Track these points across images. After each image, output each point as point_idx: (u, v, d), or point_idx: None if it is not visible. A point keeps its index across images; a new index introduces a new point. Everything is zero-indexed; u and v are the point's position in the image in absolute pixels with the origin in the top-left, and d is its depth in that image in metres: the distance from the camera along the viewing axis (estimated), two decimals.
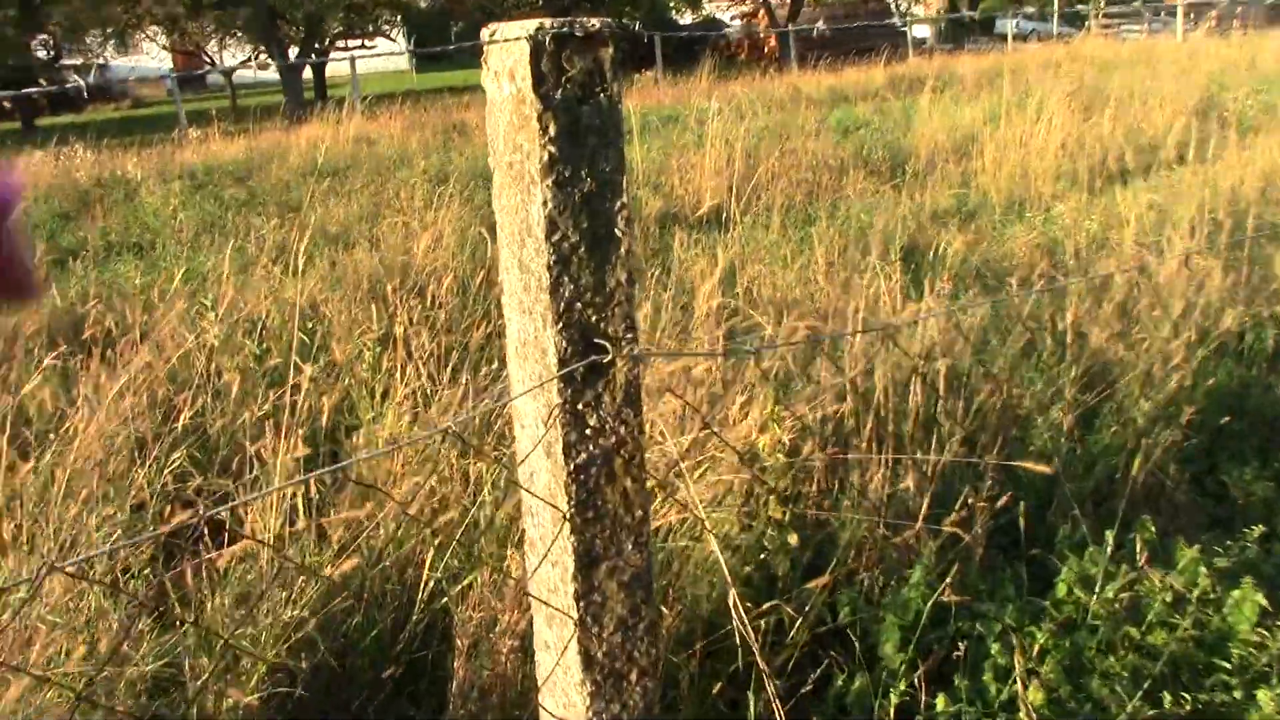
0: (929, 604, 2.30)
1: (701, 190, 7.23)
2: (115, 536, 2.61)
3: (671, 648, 2.26)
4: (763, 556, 2.52)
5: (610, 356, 1.26)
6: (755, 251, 5.25)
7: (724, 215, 6.62)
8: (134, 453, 3.13)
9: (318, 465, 3.00)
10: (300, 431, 2.79)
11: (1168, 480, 3.07)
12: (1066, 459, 3.08)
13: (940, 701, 2.26)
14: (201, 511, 2.36)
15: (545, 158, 1.15)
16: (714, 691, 2.19)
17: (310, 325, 4.53)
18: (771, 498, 2.54)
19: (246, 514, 2.59)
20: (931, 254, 5.03)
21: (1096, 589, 2.52)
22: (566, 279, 1.23)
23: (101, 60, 29.45)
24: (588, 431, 1.29)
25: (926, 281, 3.71)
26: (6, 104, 26.98)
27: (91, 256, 6.49)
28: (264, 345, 4.14)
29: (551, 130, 1.14)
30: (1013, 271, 4.84)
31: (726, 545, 2.51)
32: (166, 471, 2.88)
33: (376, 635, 2.40)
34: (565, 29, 1.13)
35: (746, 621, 2.20)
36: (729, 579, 2.17)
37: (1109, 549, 2.52)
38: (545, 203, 1.18)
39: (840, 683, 2.31)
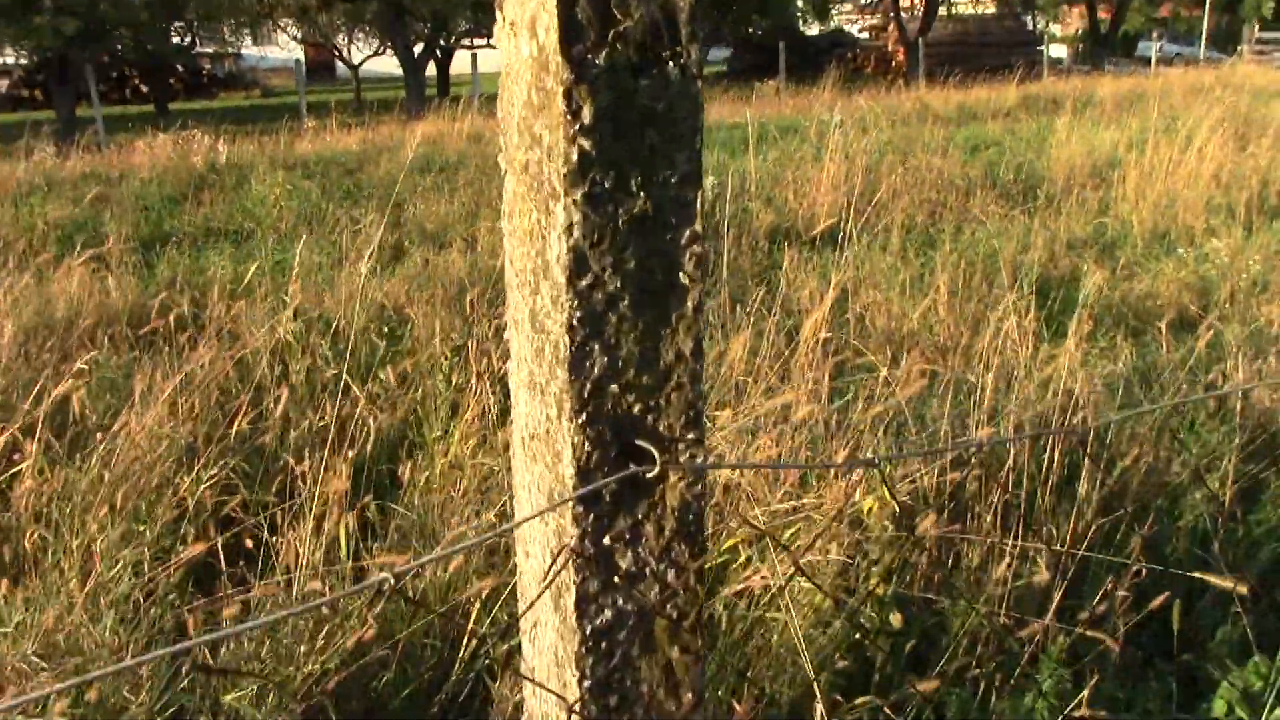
0: (1059, 718, 1.90)
1: (817, 205, 6.83)
2: (139, 558, 2.37)
3: None
4: (858, 637, 2.15)
5: (658, 468, 0.86)
6: (870, 275, 4.84)
7: (839, 234, 6.22)
8: (181, 459, 2.91)
9: (371, 485, 2.74)
10: (351, 454, 2.52)
11: None
12: (1225, 540, 2.63)
13: None
14: (222, 533, 2.09)
15: (575, 157, 0.78)
16: None
17: (391, 328, 4.30)
18: (874, 570, 2.17)
19: (282, 543, 2.33)
20: (1066, 288, 4.56)
21: (1265, 710, 2.08)
22: (597, 347, 0.84)
23: (234, 49, 30.26)
24: (617, 578, 0.89)
25: (1066, 323, 3.28)
26: (143, 88, 27.94)
27: (189, 242, 6.41)
28: (338, 347, 3.92)
29: (586, 114, 0.77)
30: (1160, 314, 4.34)
31: (818, 622, 2.15)
32: (209, 484, 2.64)
33: (410, 695, 2.11)
34: None
35: (824, 713, 1.84)
36: (809, 668, 1.81)
37: None
38: (571, 228, 0.81)
39: None
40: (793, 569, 2.20)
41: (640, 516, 0.89)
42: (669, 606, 0.92)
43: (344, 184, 8.99)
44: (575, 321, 0.84)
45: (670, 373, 0.89)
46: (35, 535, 2.40)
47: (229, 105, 29.76)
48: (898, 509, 2.08)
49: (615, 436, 0.88)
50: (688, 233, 0.85)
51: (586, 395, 0.86)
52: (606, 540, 0.88)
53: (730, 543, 2.30)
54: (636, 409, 0.89)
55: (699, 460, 0.90)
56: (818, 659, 2.09)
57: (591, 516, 0.87)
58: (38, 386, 3.07)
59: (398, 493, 2.82)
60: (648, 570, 0.90)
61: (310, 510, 2.31)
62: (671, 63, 0.80)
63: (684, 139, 0.83)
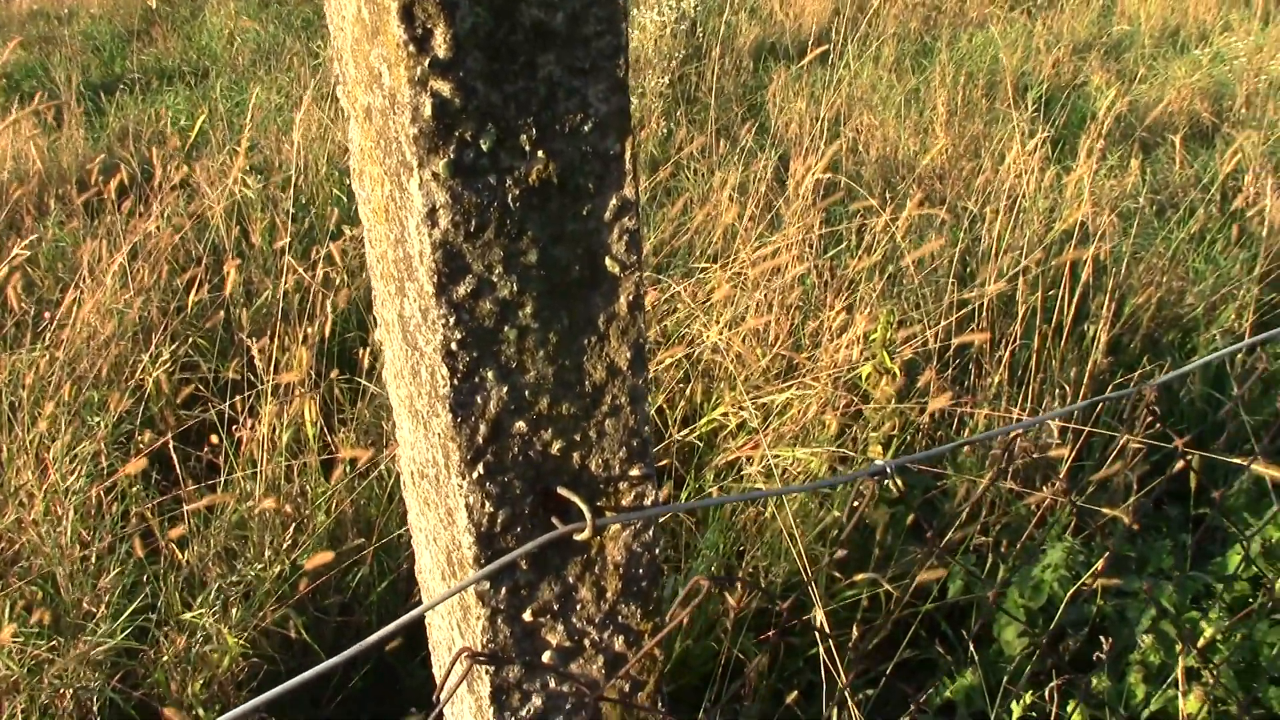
0: (1069, 592, 1.80)
1: (805, 15, 6.43)
2: (96, 450, 2.23)
3: (743, 632, 1.82)
4: (855, 507, 2.03)
5: (588, 528, 0.63)
6: (862, 91, 4.55)
7: (829, 48, 5.85)
8: (136, 336, 2.74)
9: (336, 360, 2.58)
10: (311, 330, 2.35)
11: None
12: (1242, 377, 2.50)
13: (1073, 712, 1.80)
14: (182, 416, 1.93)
15: (428, 110, 0.54)
16: (787, 696, 1.75)
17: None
18: (872, 437, 2.03)
19: (243, 431, 2.18)
20: (1072, 100, 4.28)
21: None
22: (491, 374, 0.62)
23: None
24: (547, 656, 0.69)
25: (1072, 138, 3.06)
26: None
27: (141, 85, 6.04)
28: (300, 201, 3.69)
29: (440, 43, 0.53)
30: (1173, 124, 4.09)
31: (814, 493, 2.03)
32: (165, 366, 2.47)
33: (389, 587, 2.01)
34: None
35: (819, 597, 1.75)
36: (800, 551, 1.71)
37: None
38: (434, 214, 0.57)
39: (945, 680, 1.85)
40: (783, 438, 2.07)
41: (572, 581, 0.68)
42: (622, 681, 0.72)
43: (303, 11, 8.47)
44: (455, 344, 0.61)
45: (601, 394, 0.66)
46: None
47: None
48: (898, 374, 1.92)
49: (529, 487, 0.65)
50: (614, 200, 0.61)
51: (482, 440, 0.63)
52: (528, 616, 0.67)
53: (719, 409, 2.16)
54: (556, 448, 0.66)
55: (648, 501, 0.69)
56: (814, 534, 1.98)
57: (503, 591, 0.66)
58: None
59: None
60: (587, 642, 0.70)
61: (270, 395, 2.16)
62: None
63: (601, 64, 0.57)
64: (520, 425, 0.64)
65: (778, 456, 2.01)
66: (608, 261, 0.62)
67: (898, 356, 1.94)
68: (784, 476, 2.02)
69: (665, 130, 4.51)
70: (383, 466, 2.06)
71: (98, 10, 9.40)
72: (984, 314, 2.22)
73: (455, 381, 0.61)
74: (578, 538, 0.63)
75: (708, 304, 2.27)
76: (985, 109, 4.23)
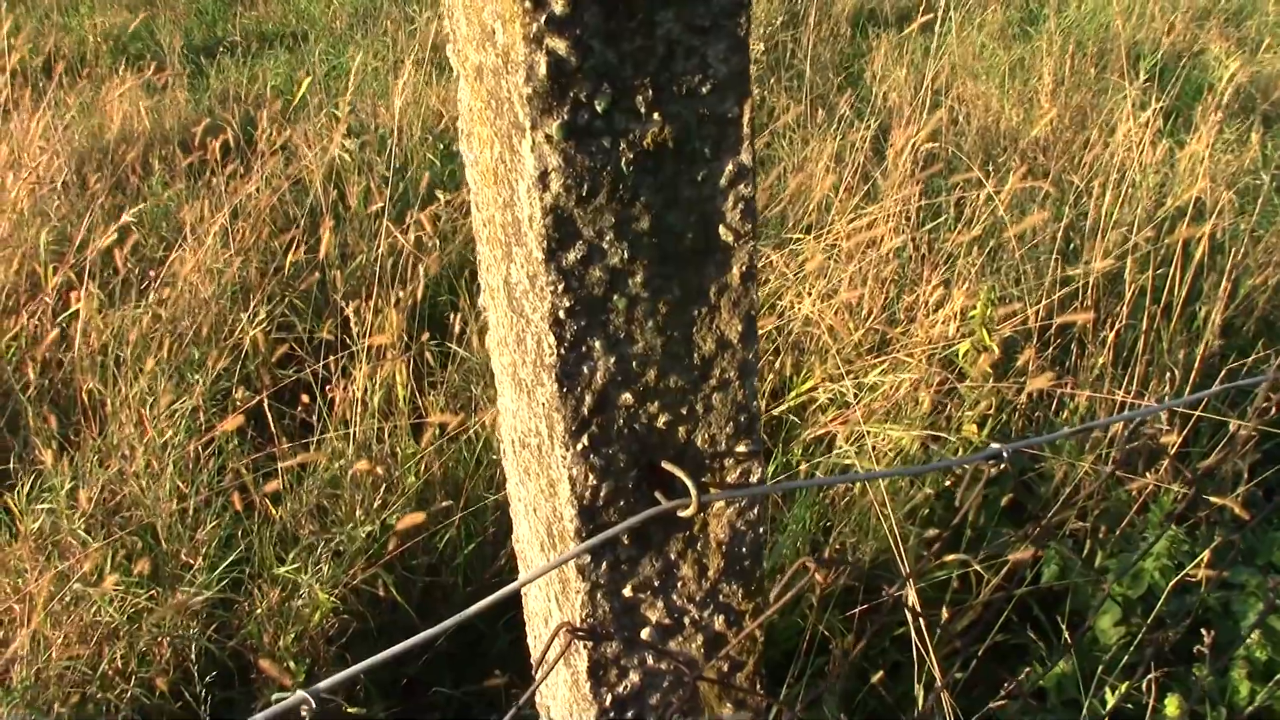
0: (1170, 583, 1.74)
1: None
2: (195, 407, 2.29)
3: (829, 609, 1.79)
4: (949, 486, 1.99)
5: (693, 504, 0.61)
6: (965, 60, 4.42)
7: (932, 15, 5.70)
8: (235, 296, 2.80)
9: (427, 322, 2.60)
10: (403, 294, 2.37)
11: None
12: None
13: (1171, 706, 1.73)
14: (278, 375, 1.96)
15: (543, 69, 0.52)
16: (873, 675, 1.72)
17: (448, 142, 4.08)
18: (967, 415, 1.98)
19: (336, 392, 2.22)
20: (1189, 70, 4.10)
21: None
22: (599, 344, 0.60)
23: None
24: (646, 633, 0.67)
25: (1187, 112, 2.93)
26: None
27: (243, 49, 6.16)
28: (395, 165, 3.73)
29: (554, 4, 0.51)
30: None
31: (906, 462, 1.99)
32: (261, 326, 2.52)
33: (475, 550, 2.03)
34: None
35: (912, 581, 1.71)
36: (891, 529, 1.67)
37: None
38: (546, 178, 0.55)
39: (1037, 666, 1.81)
40: (874, 413, 2.03)
41: (674, 557, 0.66)
42: (721, 661, 0.70)
43: None
44: (563, 313, 0.59)
45: (710, 367, 0.64)
46: (89, 389, 2.33)
47: None
48: (996, 350, 1.87)
49: (633, 461, 0.63)
50: (730, 166, 0.58)
51: (587, 411, 0.61)
52: (628, 591, 0.65)
53: (810, 383, 2.13)
54: (662, 421, 0.64)
55: (754, 478, 0.67)
56: (904, 511, 1.94)
57: (604, 566, 0.64)
58: (84, 223, 2.96)
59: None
60: (687, 620, 0.68)
61: (363, 358, 2.19)
62: None
63: (722, 22, 0.54)
64: (626, 397, 0.63)
65: (869, 432, 1.98)
66: (721, 230, 0.60)
67: (996, 334, 1.88)
68: (875, 453, 1.99)
69: (760, 98, 4.44)
70: (471, 431, 2.08)
71: None
72: (1089, 293, 2.14)
73: (562, 350, 0.60)
74: (682, 514, 0.62)
75: (800, 275, 2.24)
76: (1095, 79, 4.08)
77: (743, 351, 0.65)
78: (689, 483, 0.61)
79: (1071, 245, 2.60)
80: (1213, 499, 1.73)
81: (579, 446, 0.62)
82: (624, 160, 0.56)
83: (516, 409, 0.69)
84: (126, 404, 2.30)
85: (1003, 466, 0.93)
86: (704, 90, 0.56)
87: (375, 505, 1.98)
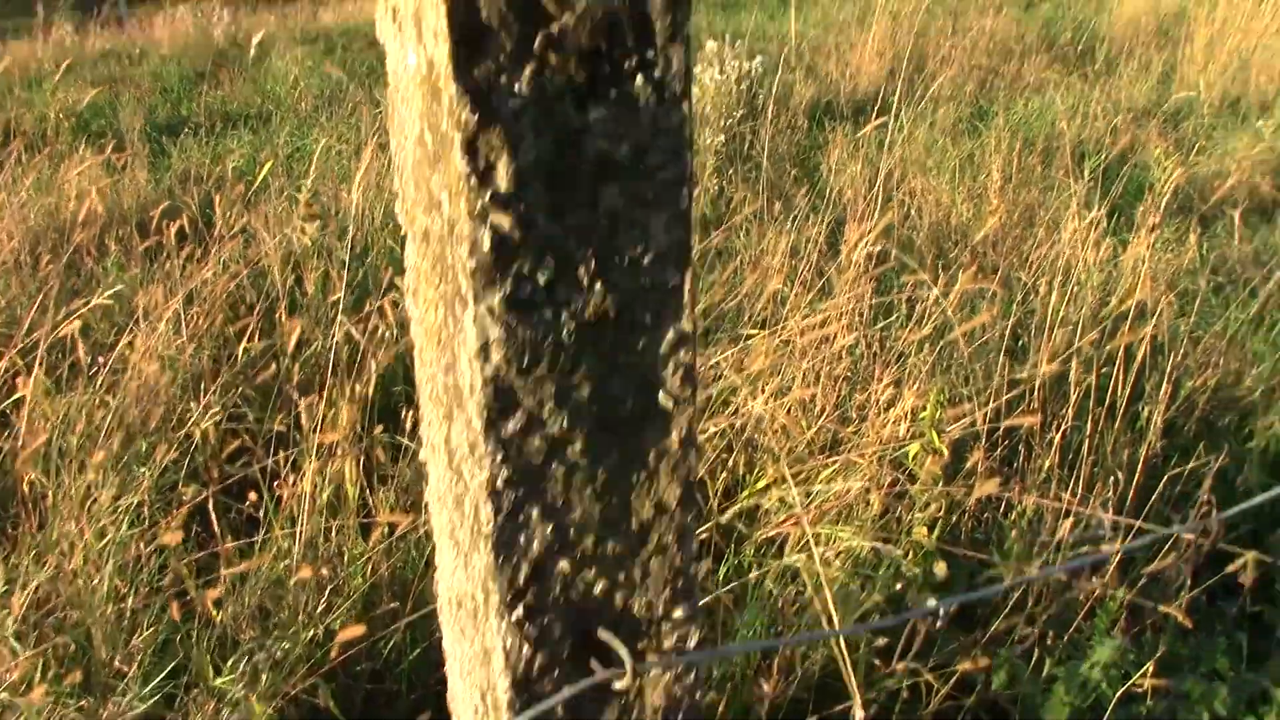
0: (1117, 693, 1.74)
1: (861, 74, 6.44)
2: (141, 500, 2.25)
3: None
4: (899, 589, 1.99)
5: (627, 675, 0.61)
6: (917, 155, 4.53)
7: (886, 106, 5.86)
8: (187, 385, 2.78)
9: (378, 415, 2.59)
10: (359, 388, 2.36)
11: None
12: None
13: None
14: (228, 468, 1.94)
15: (487, 244, 0.53)
16: None
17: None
18: (917, 519, 1.99)
19: (285, 489, 2.19)
20: (1130, 170, 4.23)
21: None
22: (536, 513, 0.60)
23: None
24: None
25: (1128, 207, 3.01)
26: None
27: (206, 128, 6.19)
28: (355, 251, 3.74)
29: (502, 175, 0.52)
30: (1232, 197, 4.02)
31: (856, 572, 1.99)
32: (213, 419, 2.50)
33: (423, 653, 2.00)
34: None
35: (860, 694, 1.71)
36: (838, 633, 1.67)
37: None
38: (487, 349, 0.56)
39: None
40: (826, 515, 2.04)
41: None
42: None
43: (366, 58, 8.65)
44: (501, 482, 0.59)
45: (648, 533, 0.64)
46: (31, 480, 2.28)
47: None
48: (945, 452, 1.89)
49: (568, 629, 0.64)
50: (671, 334, 0.59)
51: (523, 581, 0.62)
52: None
53: (761, 484, 2.13)
54: (599, 588, 0.64)
55: (691, 643, 0.67)
56: (855, 612, 1.94)
57: None
58: (36, 305, 2.93)
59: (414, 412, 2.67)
60: None
61: (313, 453, 2.17)
62: (641, 76, 0.53)
63: (664, 195, 0.56)
64: (563, 565, 0.63)
65: (820, 536, 1.98)
66: (661, 396, 0.61)
67: (946, 436, 1.90)
68: (824, 556, 1.99)
69: (719, 188, 4.52)
70: (422, 531, 2.06)
71: (168, 51, 9.67)
72: (1036, 394, 2.18)
73: (499, 520, 0.60)
74: (617, 685, 0.61)
75: (752, 374, 2.25)
76: (1041, 176, 4.20)
77: (681, 516, 0.65)
78: (624, 654, 0.60)
79: (1020, 342, 2.64)
80: (1157, 606, 1.74)
81: (514, 616, 0.62)
82: (565, 331, 0.57)
83: (454, 569, 0.69)
84: (69, 498, 2.26)
85: (942, 614, 0.94)
86: (646, 261, 0.57)
87: (319, 609, 1.95)
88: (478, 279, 0.54)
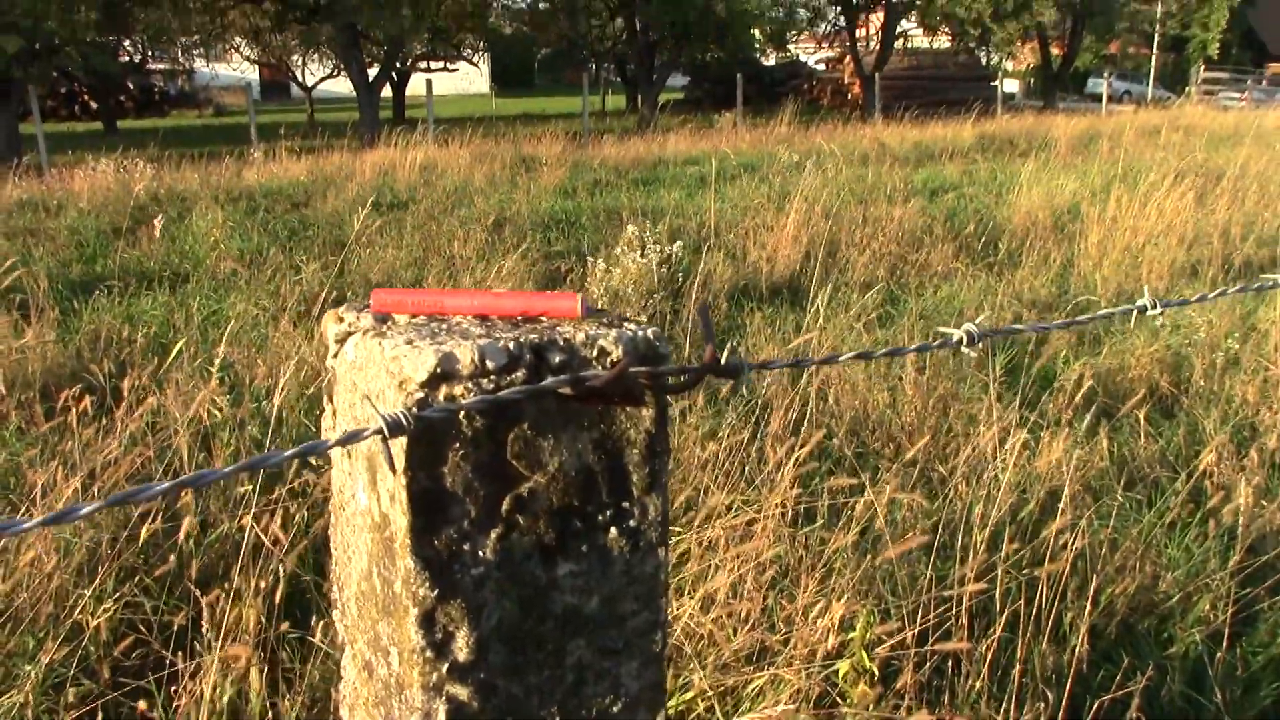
0: None
1: (778, 257, 6.64)
2: (24, 702, 2.09)
3: None
4: None
5: None
6: (833, 342, 4.64)
7: (801, 289, 6.03)
8: (82, 569, 2.63)
9: (289, 606, 2.47)
10: (263, 585, 2.25)
11: None
12: (1224, 676, 2.44)
13: None
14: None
15: (442, 715, 0.48)
16: None
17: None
18: None
19: (183, 694, 2.05)
20: (1040, 367, 4.39)
21: None
22: None
23: (186, 67, 29.63)
24: None
25: (1034, 397, 3.09)
26: (93, 104, 27.31)
27: (120, 288, 6.08)
28: (270, 426, 3.64)
29: (461, 647, 0.47)
30: (1132, 390, 4.18)
31: None
32: (105, 615, 2.35)
33: None
34: (509, 358, 0.48)
35: None
36: None
37: None
38: None
39: None
40: None
41: None
42: None
43: (289, 220, 8.68)
44: None
45: None
46: None
47: (180, 124, 29.13)
48: (876, 674, 1.85)
49: None
50: None
51: None
52: None
53: (690, 696, 2.06)
54: None
55: None
56: None
57: None
58: None
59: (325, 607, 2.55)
60: None
61: (214, 653, 2.04)
62: (615, 529, 0.51)
63: (636, 642, 0.52)
64: None
65: None
66: None
67: (877, 658, 1.87)
68: None
69: None
70: None
71: (86, 204, 9.58)
72: (963, 611, 2.17)
73: None
74: None
75: (679, 578, 2.21)
76: (953, 367, 4.32)
77: None
78: None
79: (940, 540, 2.66)
80: None
81: None
82: None
83: None
84: None
85: None
86: (615, 709, 0.53)
87: None
88: None
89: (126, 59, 25.01)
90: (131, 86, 28.50)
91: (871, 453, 3.47)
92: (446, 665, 0.46)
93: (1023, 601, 2.19)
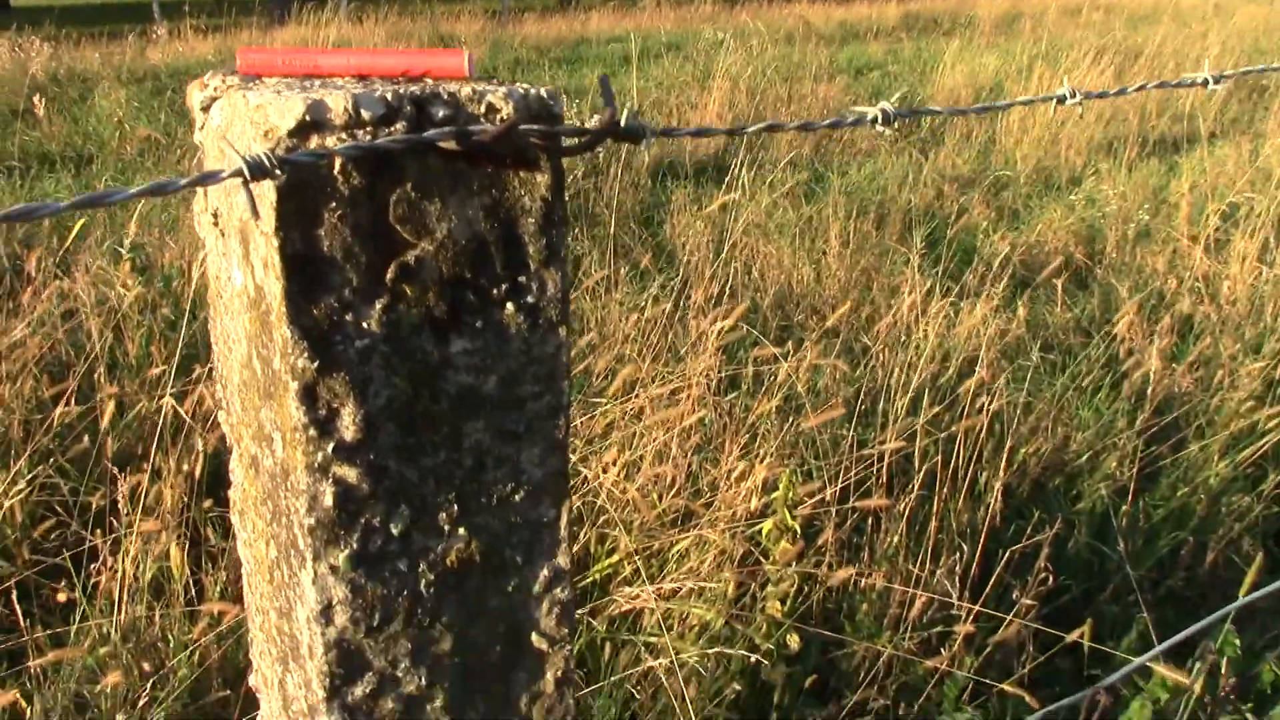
0: None
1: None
2: None
3: None
4: (754, 661, 1.98)
5: None
6: (758, 217, 4.63)
7: (726, 166, 5.98)
8: None
9: (212, 483, 2.44)
10: (184, 466, 2.22)
11: (1245, 565, 2.55)
12: (1127, 528, 2.55)
13: None
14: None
15: (329, 500, 0.46)
16: None
17: None
18: (771, 592, 1.99)
19: (104, 572, 2.03)
20: (957, 236, 4.44)
21: None
22: None
23: None
24: None
25: (955, 271, 3.14)
26: None
27: (21, 171, 5.81)
28: (181, 308, 3.54)
29: (348, 424, 0.45)
30: (1048, 263, 4.26)
31: (712, 642, 1.97)
32: (19, 495, 2.30)
33: None
34: (387, 109, 0.45)
35: None
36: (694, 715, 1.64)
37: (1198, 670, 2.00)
38: (330, 611, 0.47)
39: None
40: (679, 590, 2.02)
41: None
42: None
43: None
44: None
45: None
46: None
47: (77, 1, 27.56)
48: (799, 534, 1.90)
49: None
50: (545, 571, 0.54)
51: None
52: None
53: (614, 559, 2.10)
54: None
55: None
56: (710, 689, 1.92)
57: None
58: None
59: None
60: None
61: (133, 536, 2.02)
62: (511, 304, 0.48)
63: (537, 426, 0.51)
64: None
65: (672, 611, 1.96)
66: (534, 637, 0.55)
67: (799, 517, 1.91)
68: (678, 633, 1.96)
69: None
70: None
71: None
72: (883, 467, 2.22)
73: None
74: None
75: (604, 445, 2.23)
76: (876, 241, 4.35)
77: None
78: None
79: (863, 406, 2.71)
80: (1004, 686, 1.78)
81: None
82: (423, 582, 0.51)
83: None
84: None
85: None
86: (517, 498, 0.52)
87: (141, 702, 1.80)
88: (318, 536, 0.47)
89: None
90: None
91: (795, 325, 3.50)
92: (332, 445, 0.45)
93: (939, 461, 2.25)
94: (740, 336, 2.74)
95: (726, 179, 4.92)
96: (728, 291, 3.31)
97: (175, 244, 4.24)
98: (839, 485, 2.06)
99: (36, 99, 6.84)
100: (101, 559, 2.01)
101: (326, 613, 0.47)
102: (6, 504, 2.28)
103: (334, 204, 0.42)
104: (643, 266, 3.63)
